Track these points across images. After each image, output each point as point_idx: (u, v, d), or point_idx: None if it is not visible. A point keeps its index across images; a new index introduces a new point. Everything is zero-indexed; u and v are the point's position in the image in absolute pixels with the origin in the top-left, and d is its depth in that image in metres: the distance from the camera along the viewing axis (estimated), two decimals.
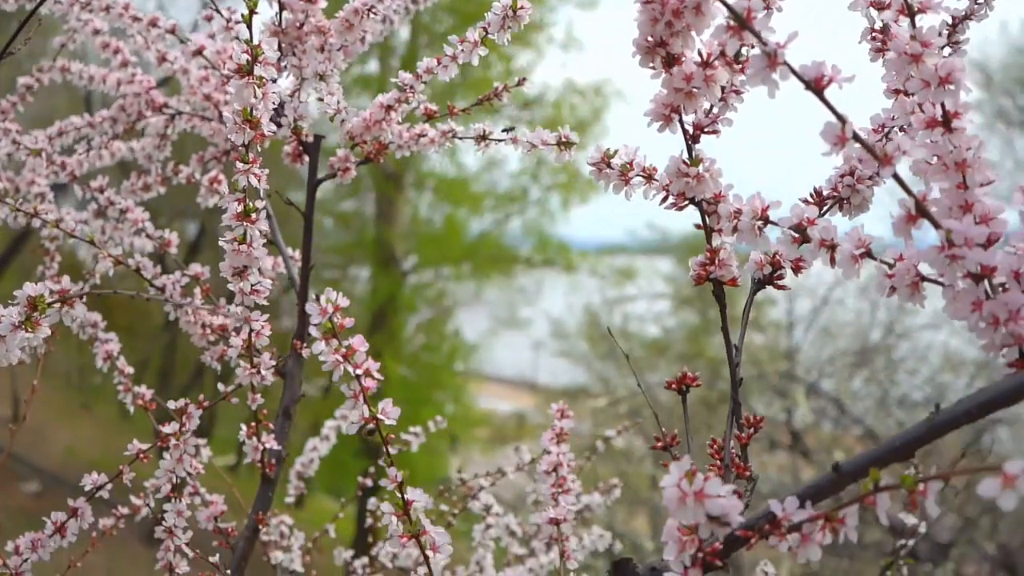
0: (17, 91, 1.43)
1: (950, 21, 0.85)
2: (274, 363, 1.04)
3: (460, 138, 1.10)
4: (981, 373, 6.27)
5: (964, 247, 0.58)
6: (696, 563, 0.62)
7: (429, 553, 0.75)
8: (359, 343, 0.73)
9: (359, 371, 0.72)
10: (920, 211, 0.60)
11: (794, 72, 0.58)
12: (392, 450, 0.77)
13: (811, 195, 0.81)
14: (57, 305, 0.75)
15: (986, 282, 0.61)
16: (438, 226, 11.66)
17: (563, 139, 0.98)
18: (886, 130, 0.81)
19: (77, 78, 1.36)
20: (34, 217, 1.07)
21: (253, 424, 1.08)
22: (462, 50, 1.01)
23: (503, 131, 1.07)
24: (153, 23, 1.20)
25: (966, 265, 0.59)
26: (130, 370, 1.19)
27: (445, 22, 10.07)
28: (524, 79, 1.15)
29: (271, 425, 1.09)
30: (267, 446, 1.09)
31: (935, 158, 0.63)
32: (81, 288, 0.80)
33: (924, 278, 0.63)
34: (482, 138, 1.07)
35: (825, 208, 0.80)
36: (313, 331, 0.72)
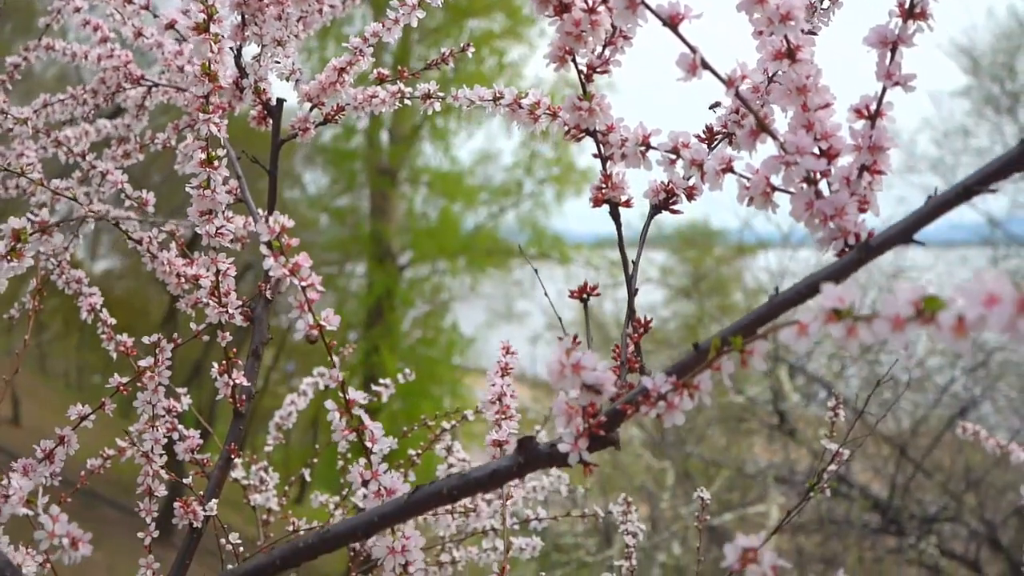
0: (5, 70, 1.53)
1: None
2: (240, 303, 1.14)
3: (409, 98, 1.21)
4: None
5: (796, 155, 0.69)
6: (583, 433, 0.73)
7: (368, 444, 0.86)
8: (304, 259, 0.83)
9: (304, 284, 0.83)
10: (761, 127, 0.70)
11: (651, 10, 0.69)
12: (336, 358, 0.87)
13: (703, 130, 0.91)
14: (37, 235, 0.86)
15: (825, 187, 0.72)
16: (433, 221, 11.76)
17: (497, 95, 1.08)
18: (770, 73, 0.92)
19: (61, 55, 1.47)
20: (21, 176, 1.18)
21: (224, 361, 1.19)
22: (403, 13, 1.13)
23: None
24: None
25: (799, 172, 0.69)
26: (112, 321, 1.29)
27: (437, 17, 10.18)
28: (468, 45, 1.26)
29: (240, 362, 1.20)
30: (237, 382, 1.20)
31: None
32: (58, 221, 0.90)
33: (775, 188, 0.74)
34: (427, 96, 1.19)
35: (716, 142, 0.91)
36: (263, 248, 0.82)
